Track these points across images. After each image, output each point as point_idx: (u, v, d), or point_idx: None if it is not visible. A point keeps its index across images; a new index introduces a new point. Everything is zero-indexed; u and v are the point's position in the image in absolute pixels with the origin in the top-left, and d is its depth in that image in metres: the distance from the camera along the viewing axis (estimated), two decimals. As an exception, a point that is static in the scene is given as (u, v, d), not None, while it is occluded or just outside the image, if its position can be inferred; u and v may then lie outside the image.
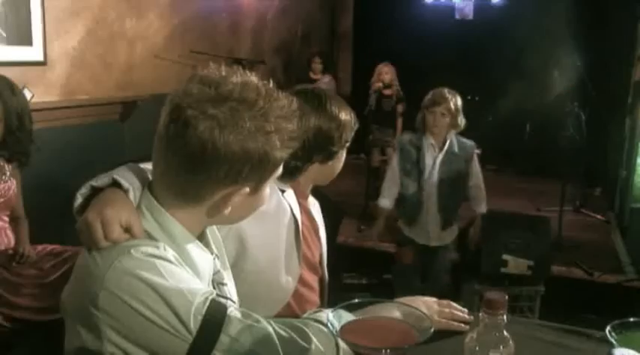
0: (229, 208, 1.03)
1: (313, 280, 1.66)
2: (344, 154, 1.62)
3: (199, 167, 0.97)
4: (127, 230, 0.98)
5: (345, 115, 1.56)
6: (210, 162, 0.97)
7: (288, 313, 1.49)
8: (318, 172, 1.59)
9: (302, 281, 1.59)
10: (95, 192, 1.04)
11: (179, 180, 1.00)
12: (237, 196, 1.02)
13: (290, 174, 1.55)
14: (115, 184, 1.04)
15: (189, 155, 0.96)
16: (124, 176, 1.05)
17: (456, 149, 3.24)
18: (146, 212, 1.03)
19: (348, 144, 1.60)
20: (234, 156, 0.96)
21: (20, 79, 3.31)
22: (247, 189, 1.02)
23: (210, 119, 0.94)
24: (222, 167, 0.97)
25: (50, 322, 2.27)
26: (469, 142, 3.30)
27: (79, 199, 1.04)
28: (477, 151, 3.37)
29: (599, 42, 5.52)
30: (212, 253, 1.13)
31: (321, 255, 1.71)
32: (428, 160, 3.23)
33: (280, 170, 1.07)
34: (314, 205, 1.74)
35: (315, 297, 1.66)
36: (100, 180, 1.05)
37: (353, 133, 1.59)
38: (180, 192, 1.02)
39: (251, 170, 0.99)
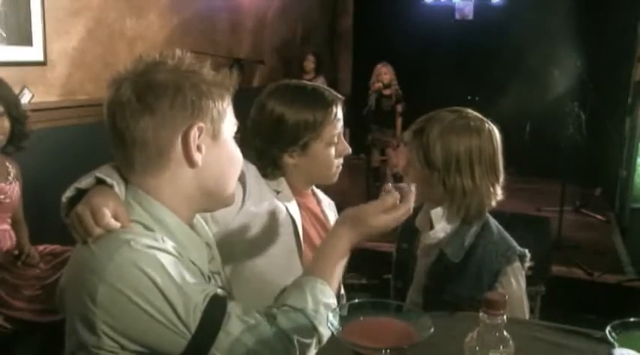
0: (200, 155, 1.03)
1: None
2: (328, 150, 1.55)
3: (145, 107, 1.00)
4: (115, 218, 0.98)
5: (306, 107, 1.52)
6: (152, 100, 1.00)
7: None
8: (303, 166, 1.56)
9: None
10: (80, 194, 1.04)
11: (137, 148, 1.02)
12: (199, 139, 1.02)
13: (272, 168, 1.56)
14: (100, 183, 1.04)
15: (133, 110, 1.00)
16: (107, 173, 1.05)
17: None
18: (134, 203, 1.03)
19: (322, 138, 1.53)
20: (167, 86, 1.01)
21: (20, 79, 3.31)
22: (202, 125, 1.02)
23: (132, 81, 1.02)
24: (163, 100, 1.00)
25: (51, 323, 2.27)
26: None
27: (64, 202, 1.04)
28: None
29: (599, 42, 5.51)
30: (204, 242, 1.14)
31: None
32: None
33: (232, 121, 1.09)
34: (329, 205, 1.74)
35: None
36: (84, 182, 1.05)
37: (322, 127, 1.52)
38: (145, 160, 1.02)
39: (188, 98, 1.02)
